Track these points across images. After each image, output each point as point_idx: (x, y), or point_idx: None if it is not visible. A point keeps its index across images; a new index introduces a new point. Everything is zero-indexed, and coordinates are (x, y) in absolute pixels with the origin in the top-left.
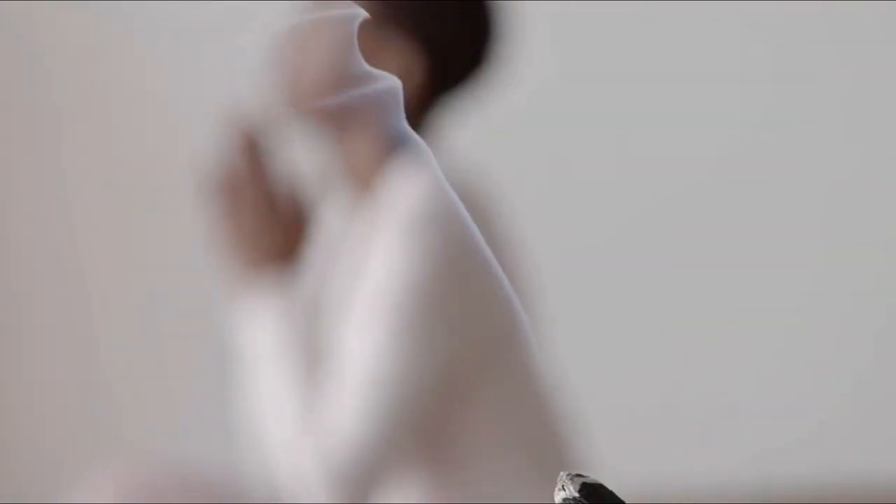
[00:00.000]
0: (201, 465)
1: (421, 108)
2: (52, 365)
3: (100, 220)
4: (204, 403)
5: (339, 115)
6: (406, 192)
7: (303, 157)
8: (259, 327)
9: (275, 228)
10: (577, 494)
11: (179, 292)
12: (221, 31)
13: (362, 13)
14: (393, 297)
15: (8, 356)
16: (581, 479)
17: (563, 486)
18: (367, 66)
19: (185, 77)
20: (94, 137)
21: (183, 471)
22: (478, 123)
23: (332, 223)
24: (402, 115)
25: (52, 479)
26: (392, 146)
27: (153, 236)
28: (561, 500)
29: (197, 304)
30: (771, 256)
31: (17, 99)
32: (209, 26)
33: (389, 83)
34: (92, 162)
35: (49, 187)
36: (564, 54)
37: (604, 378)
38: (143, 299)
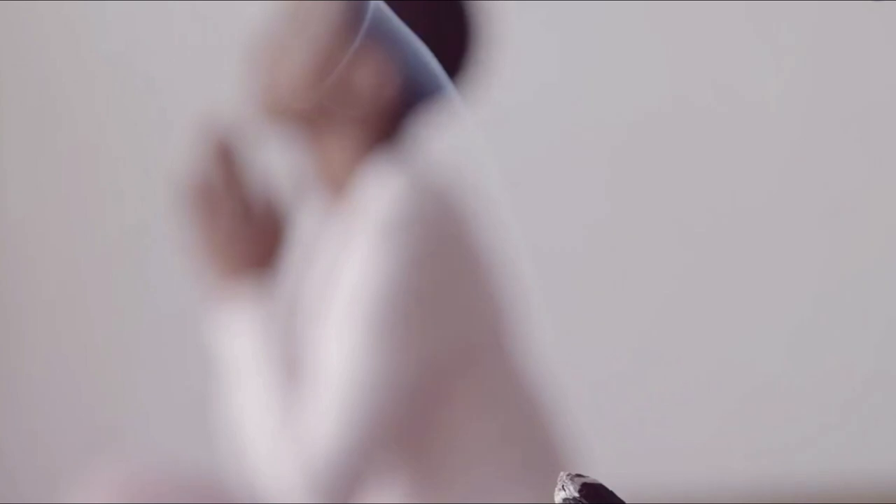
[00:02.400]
0: (200, 467)
1: (397, 115)
2: (52, 365)
3: (99, 222)
4: (204, 404)
5: (313, 120)
6: (380, 197)
7: (278, 163)
8: (236, 336)
9: (250, 236)
10: (577, 494)
11: (180, 292)
12: (198, 36)
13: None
14: (368, 301)
15: (8, 356)
16: (581, 480)
17: (563, 486)
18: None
19: (164, 84)
20: (92, 140)
21: (182, 472)
22: (465, 126)
23: (307, 229)
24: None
25: (52, 479)
26: (366, 150)
27: (154, 237)
28: (561, 500)
29: (197, 305)
30: (771, 256)
31: (9, 101)
32: (186, 31)
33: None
34: (91, 164)
35: (47, 188)
36: (550, 59)
37: (604, 378)
38: (143, 299)
